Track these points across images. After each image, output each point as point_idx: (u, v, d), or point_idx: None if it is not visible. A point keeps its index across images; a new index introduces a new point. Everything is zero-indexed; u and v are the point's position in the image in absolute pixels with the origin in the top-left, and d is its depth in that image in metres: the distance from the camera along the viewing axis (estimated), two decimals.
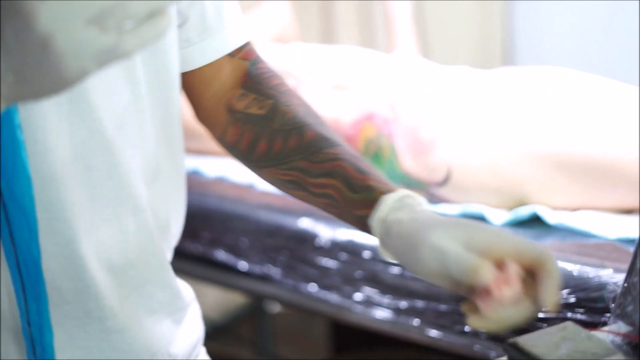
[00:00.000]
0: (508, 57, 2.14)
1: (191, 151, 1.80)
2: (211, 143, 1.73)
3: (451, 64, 1.64)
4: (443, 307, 1.25)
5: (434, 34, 2.20)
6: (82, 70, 0.56)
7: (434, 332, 1.27)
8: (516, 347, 0.71)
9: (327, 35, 2.41)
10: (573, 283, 1.13)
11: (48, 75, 0.56)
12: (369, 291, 1.33)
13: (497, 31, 2.12)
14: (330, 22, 2.40)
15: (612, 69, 1.59)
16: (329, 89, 1.63)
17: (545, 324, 1.13)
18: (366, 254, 1.33)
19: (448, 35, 2.20)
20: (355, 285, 1.35)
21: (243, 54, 0.89)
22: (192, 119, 1.73)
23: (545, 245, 1.25)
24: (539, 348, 0.70)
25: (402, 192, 0.77)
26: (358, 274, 1.34)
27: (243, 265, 1.49)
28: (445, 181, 1.40)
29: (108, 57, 0.55)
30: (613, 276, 1.11)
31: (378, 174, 0.81)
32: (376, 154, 1.49)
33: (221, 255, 1.52)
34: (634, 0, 1.87)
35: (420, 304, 1.28)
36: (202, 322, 0.94)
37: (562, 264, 1.16)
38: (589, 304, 1.12)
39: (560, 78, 1.44)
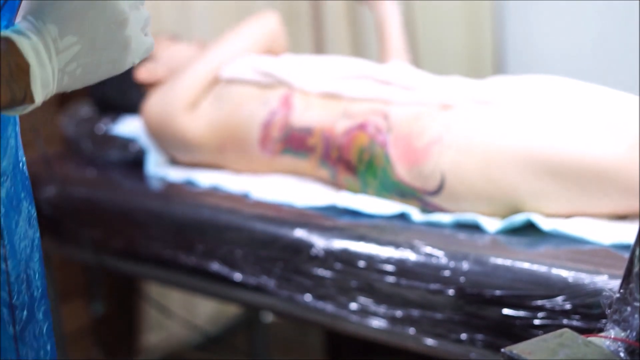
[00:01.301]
0: (499, 66, 2.15)
1: (185, 163, 1.80)
2: (204, 155, 1.74)
3: (442, 74, 1.64)
4: (439, 315, 1.25)
5: (425, 44, 2.21)
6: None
7: (430, 341, 1.27)
8: (513, 355, 0.71)
9: (318, 47, 2.41)
10: (568, 290, 1.13)
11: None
12: (364, 301, 1.33)
13: (488, 40, 2.13)
14: (321, 34, 2.41)
15: (603, 77, 1.59)
16: (322, 98, 1.63)
17: (541, 331, 1.13)
18: (361, 264, 1.33)
19: (439, 46, 2.20)
20: (351, 294, 1.35)
21: None
22: (186, 131, 1.73)
23: (539, 251, 1.25)
24: (536, 355, 0.70)
25: None
26: (353, 283, 1.34)
27: (238, 276, 1.49)
28: (438, 190, 1.40)
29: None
30: (608, 282, 1.11)
31: None
32: (370, 162, 1.49)
33: (215, 266, 1.51)
34: (625, 4, 1.87)
35: (415, 312, 1.27)
36: None
37: (557, 271, 1.16)
38: (585, 311, 1.12)
39: (551, 86, 1.45)
